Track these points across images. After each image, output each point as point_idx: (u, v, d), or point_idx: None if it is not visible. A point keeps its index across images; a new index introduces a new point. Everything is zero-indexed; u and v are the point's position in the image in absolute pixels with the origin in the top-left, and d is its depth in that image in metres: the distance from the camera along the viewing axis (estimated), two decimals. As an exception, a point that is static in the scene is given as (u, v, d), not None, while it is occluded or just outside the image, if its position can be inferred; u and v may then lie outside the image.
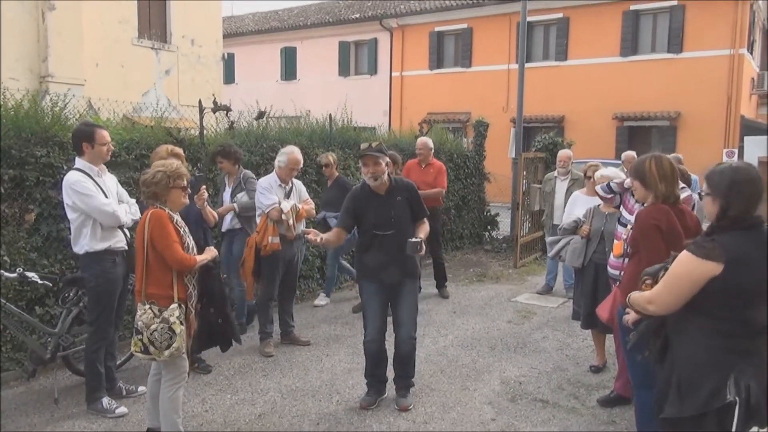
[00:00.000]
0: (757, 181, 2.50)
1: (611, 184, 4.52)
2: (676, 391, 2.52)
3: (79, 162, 4.15)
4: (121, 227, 4.24)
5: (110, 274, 4.19)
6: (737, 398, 2.39)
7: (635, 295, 2.73)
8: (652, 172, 3.35)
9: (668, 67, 18.67)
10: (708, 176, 2.62)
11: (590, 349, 5.65)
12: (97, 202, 4.04)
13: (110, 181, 4.32)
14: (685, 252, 2.49)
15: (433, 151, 7.71)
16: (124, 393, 4.50)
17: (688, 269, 2.44)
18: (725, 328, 2.45)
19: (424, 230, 4.40)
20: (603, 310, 3.87)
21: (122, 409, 4.25)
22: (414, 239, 4.15)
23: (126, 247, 4.26)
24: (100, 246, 4.12)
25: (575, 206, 5.85)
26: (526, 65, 11.31)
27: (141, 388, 4.47)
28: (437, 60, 23.13)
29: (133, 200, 4.44)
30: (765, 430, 2.50)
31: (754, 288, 2.40)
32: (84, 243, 4.12)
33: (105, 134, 4.19)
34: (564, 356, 5.55)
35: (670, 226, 3.23)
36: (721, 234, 2.48)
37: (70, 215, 4.14)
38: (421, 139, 7.76)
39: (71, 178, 4.06)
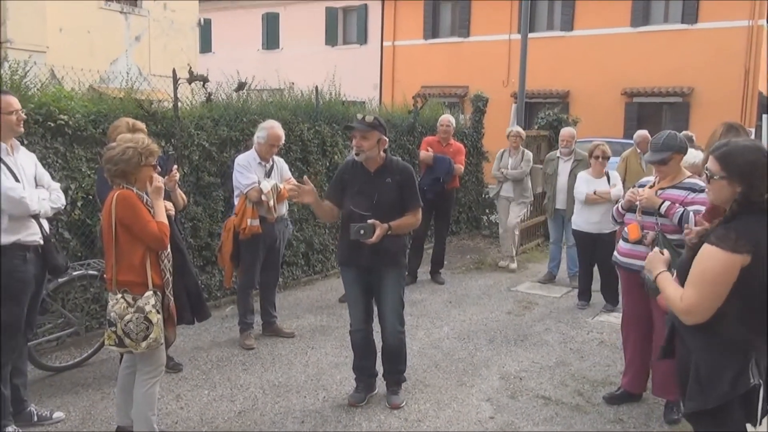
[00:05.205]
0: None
1: (620, 206, 4.43)
2: (696, 384, 2.51)
3: None
4: (36, 217, 3.74)
5: (18, 273, 3.68)
6: (761, 381, 2.41)
7: (671, 295, 2.58)
8: None
9: (682, 38, 18.65)
10: (721, 157, 2.49)
11: (595, 342, 5.68)
12: None
13: (26, 159, 3.84)
14: (708, 248, 2.42)
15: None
16: (35, 419, 3.99)
17: (721, 266, 2.38)
18: (744, 316, 2.44)
19: (404, 222, 4.22)
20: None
21: None
22: (358, 224, 4.03)
23: (41, 242, 3.78)
24: (6, 239, 3.62)
25: (582, 187, 5.80)
26: (529, 36, 11.25)
27: (56, 415, 4.07)
28: (432, 29, 22.98)
29: (57, 185, 4.01)
30: None
31: None
32: None
33: (11, 100, 3.65)
34: (568, 350, 5.57)
35: None
36: (735, 221, 2.42)
37: None
38: (446, 117, 7.88)
39: None
